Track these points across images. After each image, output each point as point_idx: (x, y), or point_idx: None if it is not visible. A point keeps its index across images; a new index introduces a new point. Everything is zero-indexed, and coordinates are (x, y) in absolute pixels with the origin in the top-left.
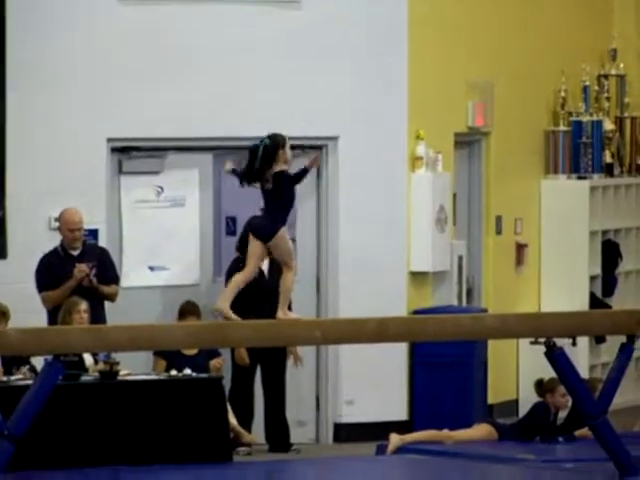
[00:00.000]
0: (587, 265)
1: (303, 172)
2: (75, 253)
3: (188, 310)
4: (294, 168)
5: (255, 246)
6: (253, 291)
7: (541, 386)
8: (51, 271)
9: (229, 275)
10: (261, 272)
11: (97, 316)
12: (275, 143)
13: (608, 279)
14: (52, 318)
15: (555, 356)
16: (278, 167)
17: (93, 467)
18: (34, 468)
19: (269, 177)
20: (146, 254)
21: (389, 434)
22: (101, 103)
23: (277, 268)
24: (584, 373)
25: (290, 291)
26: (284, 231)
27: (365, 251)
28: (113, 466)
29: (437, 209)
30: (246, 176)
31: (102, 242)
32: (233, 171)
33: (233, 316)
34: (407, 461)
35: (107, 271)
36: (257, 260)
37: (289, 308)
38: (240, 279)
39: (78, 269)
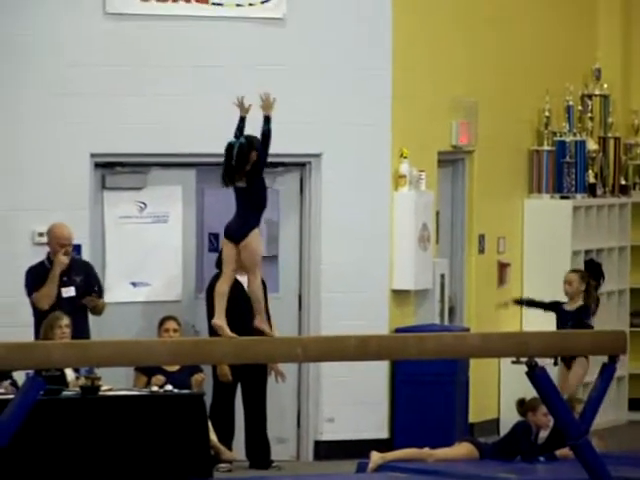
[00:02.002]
0: None
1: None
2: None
3: (167, 317)
4: (279, 184)
5: (228, 249)
6: (234, 306)
7: (523, 405)
8: (38, 280)
9: (209, 292)
10: (240, 286)
11: (82, 330)
12: (250, 143)
13: None
14: (38, 333)
15: (537, 375)
16: (248, 167)
17: None
18: None
19: (243, 176)
20: (129, 270)
21: (370, 452)
22: (85, 118)
23: None
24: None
25: (260, 298)
26: (257, 233)
27: (347, 269)
28: None
29: (420, 227)
30: (226, 175)
31: (85, 257)
32: None
33: (229, 333)
34: (388, 479)
35: (93, 285)
36: (233, 264)
37: (267, 317)
38: (222, 288)
39: (60, 256)
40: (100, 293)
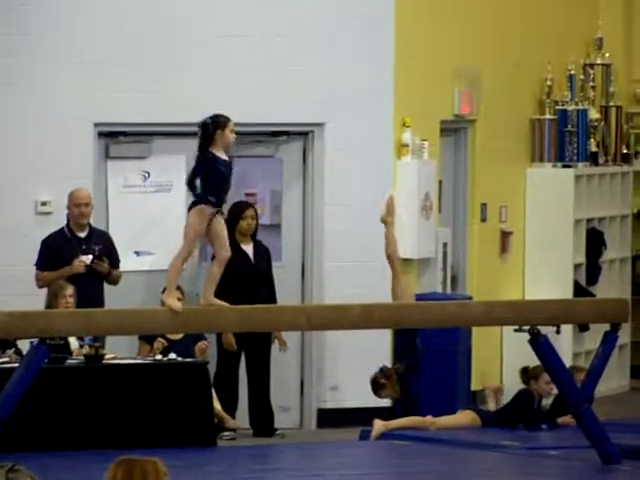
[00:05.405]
0: (571, 253)
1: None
2: (82, 235)
3: None
4: (282, 153)
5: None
6: (241, 277)
7: (525, 373)
8: (55, 251)
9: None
10: (247, 257)
11: (97, 298)
12: (215, 123)
13: (592, 267)
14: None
15: (539, 344)
16: (217, 148)
17: (77, 450)
18: (19, 450)
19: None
20: (132, 239)
21: (373, 420)
22: (88, 87)
23: (262, 251)
24: (568, 361)
25: (217, 275)
26: (201, 209)
27: (350, 238)
28: (97, 449)
29: (422, 196)
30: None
31: None
32: None
33: (219, 302)
34: (390, 447)
35: (111, 256)
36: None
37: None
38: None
39: (78, 261)
40: (116, 263)
